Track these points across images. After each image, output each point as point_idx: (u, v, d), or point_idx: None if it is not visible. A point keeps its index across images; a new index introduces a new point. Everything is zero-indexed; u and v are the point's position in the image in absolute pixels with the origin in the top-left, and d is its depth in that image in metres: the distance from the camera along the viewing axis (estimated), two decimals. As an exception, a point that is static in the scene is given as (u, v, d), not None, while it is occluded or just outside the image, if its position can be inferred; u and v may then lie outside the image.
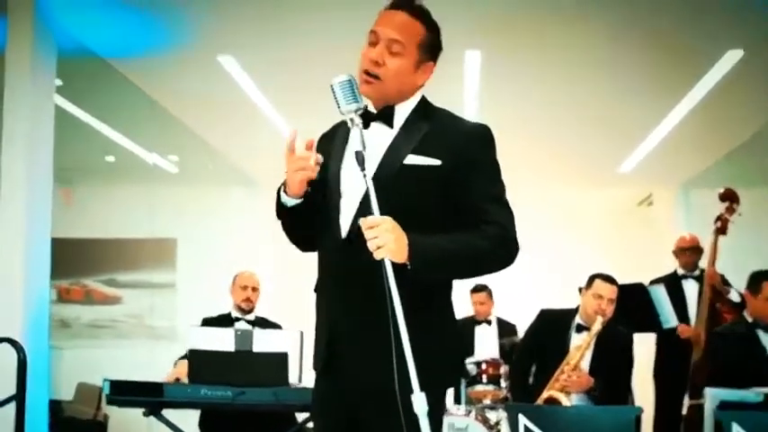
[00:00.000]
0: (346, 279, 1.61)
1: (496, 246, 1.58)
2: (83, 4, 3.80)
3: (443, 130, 1.65)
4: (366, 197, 1.51)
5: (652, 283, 4.61)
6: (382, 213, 1.47)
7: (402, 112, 1.68)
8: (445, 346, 1.64)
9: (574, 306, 3.59)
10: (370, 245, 1.44)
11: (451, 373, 1.76)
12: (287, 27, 4.05)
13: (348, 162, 1.66)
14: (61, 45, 4.11)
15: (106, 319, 7.46)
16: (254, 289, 4.05)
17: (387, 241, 1.44)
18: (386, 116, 1.67)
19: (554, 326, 3.54)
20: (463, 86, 4.92)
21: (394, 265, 1.45)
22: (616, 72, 4.77)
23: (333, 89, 1.58)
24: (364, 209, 1.54)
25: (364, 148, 1.53)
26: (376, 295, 1.47)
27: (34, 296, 3.54)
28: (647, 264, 5.75)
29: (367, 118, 1.64)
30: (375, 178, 1.52)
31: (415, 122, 1.67)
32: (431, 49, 1.68)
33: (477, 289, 5.71)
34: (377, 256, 1.44)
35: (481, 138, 1.67)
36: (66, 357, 6.82)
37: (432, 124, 1.66)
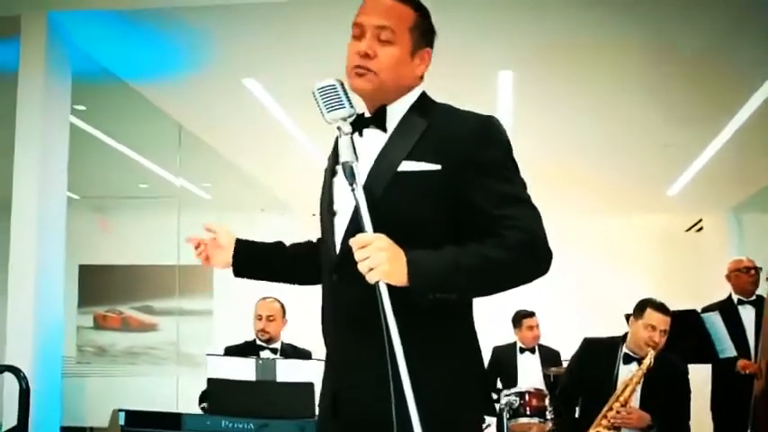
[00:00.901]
0: (343, 307, 1.44)
1: (521, 253, 1.34)
2: (102, 27, 3.75)
3: (443, 128, 1.44)
4: (357, 213, 1.33)
5: (705, 310, 4.26)
6: (378, 230, 1.30)
7: (396, 111, 1.49)
8: (468, 373, 1.44)
9: (619, 334, 3.34)
10: (361, 267, 1.27)
11: (479, 404, 1.52)
12: (308, 48, 3.92)
13: (341, 176, 1.46)
14: (82, 69, 4.08)
15: (142, 346, 7.42)
16: (271, 318, 3.89)
17: (379, 261, 1.26)
18: (378, 119, 1.48)
19: (600, 355, 3.29)
20: (496, 108, 4.71)
21: (397, 288, 1.27)
22: (660, 94, 4.55)
23: (314, 96, 1.42)
24: (355, 226, 1.35)
25: (356, 158, 1.35)
26: (375, 325, 1.27)
27: (46, 323, 3.43)
28: (696, 293, 5.43)
29: (360, 125, 1.47)
30: (366, 190, 1.35)
31: (411, 122, 1.46)
32: (424, 33, 1.49)
33: (528, 313, 5.37)
34: (369, 279, 1.27)
35: (486, 132, 1.43)
36: (102, 384, 6.78)
37: (430, 122, 1.45)
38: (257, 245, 1.68)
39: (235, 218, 7.14)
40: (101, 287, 7.56)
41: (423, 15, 1.49)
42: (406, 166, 1.40)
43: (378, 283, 1.25)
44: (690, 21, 3.67)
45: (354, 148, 1.36)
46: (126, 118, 5.05)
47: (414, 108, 1.49)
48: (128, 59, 4.13)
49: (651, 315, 3.15)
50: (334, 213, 1.48)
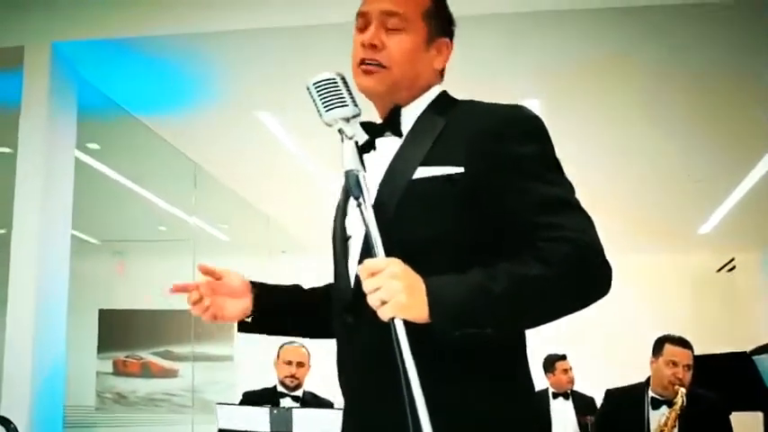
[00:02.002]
0: (361, 353, 1.20)
1: (569, 269, 1.09)
2: (110, 58, 3.63)
3: (464, 123, 1.21)
4: (368, 235, 1.10)
5: (755, 352, 3.92)
6: (392, 253, 1.07)
7: (412, 113, 1.27)
8: (514, 417, 1.17)
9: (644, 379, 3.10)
10: (372, 300, 1.04)
11: None
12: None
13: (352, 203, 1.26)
14: (93, 104, 3.97)
15: (163, 393, 7.20)
16: (301, 364, 3.67)
17: (393, 293, 1.03)
18: (391, 124, 1.27)
19: (625, 405, 3.08)
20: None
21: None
22: (692, 125, 4.30)
23: (310, 93, 1.20)
24: (368, 250, 1.12)
25: (363, 166, 1.13)
26: (395, 367, 1.03)
27: (46, 370, 3.22)
28: (728, 335, 5.11)
29: (372, 135, 1.27)
30: (377, 207, 1.12)
31: (428, 121, 1.25)
32: (441, 20, 1.29)
33: (560, 357, 5.05)
34: (382, 315, 1.03)
35: (517, 121, 1.20)
36: None
37: (449, 120, 1.23)
38: (277, 288, 1.40)
39: (253, 260, 6.98)
40: (121, 332, 7.39)
41: (439, 0, 1.30)
42: (423, 172, 1.17)
43: (393, 320, 1.02)
44: (721, 50, 3.45)
45: (361, 156, 1.15)
46: (141, 156, 4.93)
47: (431, 107, 1.28)
48: (137, 92, 4.00)
49: (671, 350, 2.95)
50: (347, 238, 1.25)
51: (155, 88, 3.95)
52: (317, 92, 1.19)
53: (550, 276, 1.07)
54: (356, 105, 1.19)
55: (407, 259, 1.07)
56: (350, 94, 1.19)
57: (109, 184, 5.22)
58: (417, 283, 1.05)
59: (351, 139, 1.16)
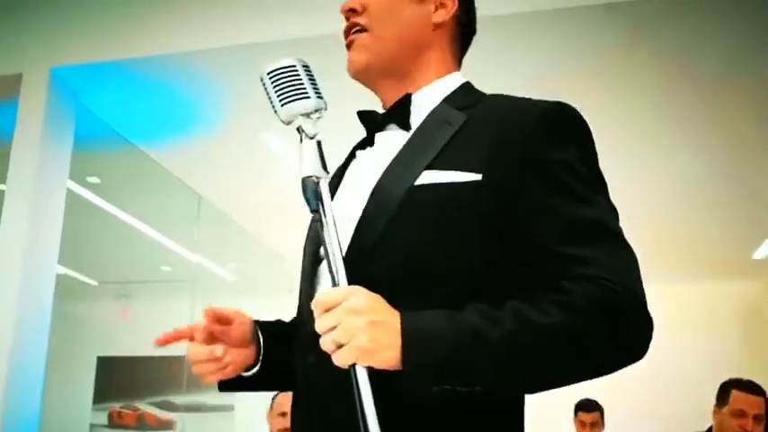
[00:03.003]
0: (324, 404, 0.94)
1: (597, 321, 0.84)
2: (109, 84, 3.41)
3: (489, 120, 0.97)
4: (349, 258, 0.89)
5: None
6: (376, 282, 0.86)
7: (425, 101, 1.05)
8: None
9: (705, 428, 2.77)
10: (324, 343, 0.81)
11: None
12: (335, 93, 3.51)
13: (334, 205, 0.99)
14: (91, 134, 3.73)
15: (157, 447, 6.82)
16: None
17: (352, 333, 0.80)
18: (398, 113, 1.04)
19: None
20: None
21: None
22: (743, 138, 3.96)
23: (263, 84, 0.99)
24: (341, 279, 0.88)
25: (325, 168, 0.93)
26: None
27: (18, 424, 2.86)
28: None
29: (373, 125, 1.07)
30: (363, 220, 0.95)
31: (444, 115, 1.01)
32: None
33: (588, 406, 4.27)
34: (337, 361, 0.81)
35: (557, 122, 0.95)
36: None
37: (471, 115, 0.99)
38: (284, 329, 1.14)
39: (262, 302, 6.65)
40: (119, 381, 7.06)
41: None
42: (428, 177, 0.93)
43: (353, 367, 0.80)
44: None
45: (323, 158, 0.93)
46: (142, 190, 4.67)
47: (450, 99, 1.04)
48: (137, 118, 3.76)
49: (738, 398, 2.60)
50: (319, 260, 1.01)
51: (155, 112, 3.71)
52: (272, 82, 0.97)
53: (571, 328, 0.83)
54: (320, 97, 0.97)
55: (394, 292, 0.85)
56: (313, 84, 0.98)
57: (109, 220, 4.96)
58: (388, 320, 0.82)
59: (312, 138, 0.94)
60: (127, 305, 6.70)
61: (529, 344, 0.82)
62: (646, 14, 2.87)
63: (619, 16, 2.87)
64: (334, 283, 0.85)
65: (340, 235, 0.89)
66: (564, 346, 0.83)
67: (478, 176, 0.91)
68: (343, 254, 0.89)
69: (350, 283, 0.85)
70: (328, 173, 0.93)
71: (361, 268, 0.89)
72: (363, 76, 1.07)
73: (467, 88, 1.08)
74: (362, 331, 0.79)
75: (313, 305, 0.82)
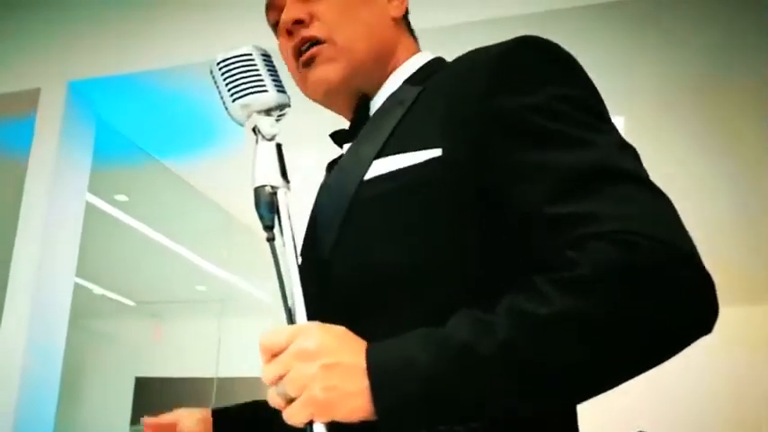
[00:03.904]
0: None
1: (613, 294, 0.60)
2: (130, 98, 3.29)
3: (445, 82, 0.80)
4: (303, 275, 0.73)
5: None
6: (333, 304, 0.73)
7: (384, 96, 0.89)
8: None
9: None
10: (271, 398, 0.66)
11: None
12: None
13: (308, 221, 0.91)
14: (117, 152, 3.64)
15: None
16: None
17: (303, 383, 0.63)
18: (360, 120, 0.89)
19: None
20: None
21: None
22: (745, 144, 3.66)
23: (213, 77, 0.84)
24: (309, 309, 0.71)
25: (285, 176, 0.78)
26: None
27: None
28: None
29: (342, 139, 0.91)
30: (317, 234, 0.81)
31: (396, 98, 0.85)
32: None
33: None
34: (287, 419, 0.65)
35: (518, 57, 0.74)
36: None
37: (426, 86, 0.83)
38: (241, 412, 1.05)
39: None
40: (158, 402, 7.02)
41: None
42: (379, 167, 0.77)
43: (310, 426, 0.64)
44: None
45: (283, 164, 0.78)
46: (170, 208, 4.57)
47: (411, 79, 0.88)
48: (161, 134, 3.65)
49: None
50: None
51: (178, 127, 3.59)
52: (222, 74, 0.82)
53: (581, 312, 0.60)
54: (282, 91, 0.82)
55: (359, 312, 0.71)
56: (273, 76, 0.82)
57: (139, 238, 4.87)
58: (349, 360, 0.64)
59: (270, 140, 0.79)
60: (159, 325, 6.64)
61: (530, 348, 0.61)
62: (641, 14, 2.65)
63: (614, 17, 2.66)
64: (290, 318, 0.70)
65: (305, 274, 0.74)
66: (578, 340, 0.60)
67: (437, 151, 0.73)
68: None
69: (307, 306, 0.69)
70: (288, 182, 0.77)
71: (317, 286, 0.74)
72: (336, 95, 0.89)
73: (434, 63, 0.89)
74: (315, 380, 0.62)
75: (260, 348, 0.66)
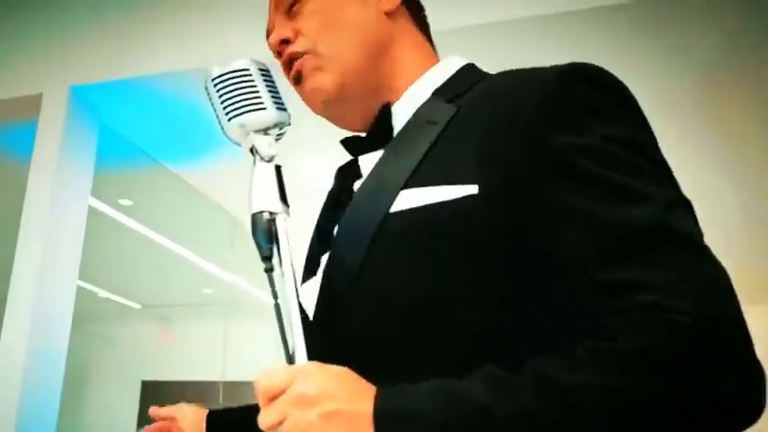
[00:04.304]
0: None
1: (655, 377, 0.55)
2: (134, 103, 3.26)
3: (483, 106, 0.72)
4: (317, 315, 0.73)
5: None
6: (347, 344, 0.69)
7: (410, 103, 0.81)
8: None
9: None
10: None
11: None
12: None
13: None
14: (120, 156, 3.62)
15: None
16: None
17: (300, 430, 0.58)
18: (379, 131, 0.81)
19: None
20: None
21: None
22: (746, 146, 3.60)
23: (208, 94, 0.79)
24: (310, 346, 0.67)
25: (285, 200, 0.72)
26: None
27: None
28: None
29: (357, 148, 0.84)
30: (332, 263, 0.74)
31: (427, 113, 0.77)
32: None
33: None
34: None
35: (570, 92, 0.67)
36: None
37: (461, 104, 0.75)
38: (236, 414, 1.06)
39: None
40: (165, 406, 7.01)
41: None
42: (407, 199, 0.70)
43: None
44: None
45: (282, 187, 0.73)
46: (175, 212, 4.54)
47: (441, 91, 0.80)
48: (165, 138, 3.62)
49: None
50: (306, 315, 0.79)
51: (182, 131, 3.56)
52: (218, 91, 0.76)
53: (616, 391, 0.56)
54: (282, 108, 0.76)
55: (371, 357, 0.66)
56: (273, 93, 0.77)
57: (144, 242, 4.85)
58: (353, 407, 0.59)
59: (269, 162, 0.74)
60: (167, 328, 6.62)
61: (552, 417, 0.56)
62: (643, 16, 2.60)
63: (616, 19, 2.61)
64: (289, 357, 0.65)
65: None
66: (604, 416, 0.56)
67: (473, 188, 0.67)
68: (312, 311, 0.71)
69: (317, 348, 0.65)
70: (288, 206, 0.71)
71: (330, 329, 0.69)
72: (336, 103, 0.82)
73: (465, 72, 0.82)
74: (314, 429, 0.57)
75: (256, 389, 0.61)
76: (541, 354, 0.60)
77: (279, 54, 0.85)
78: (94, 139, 3.20)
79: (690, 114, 3.30)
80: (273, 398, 0.60)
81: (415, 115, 0.79)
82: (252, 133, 0.75)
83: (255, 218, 0.70)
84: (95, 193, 3.49)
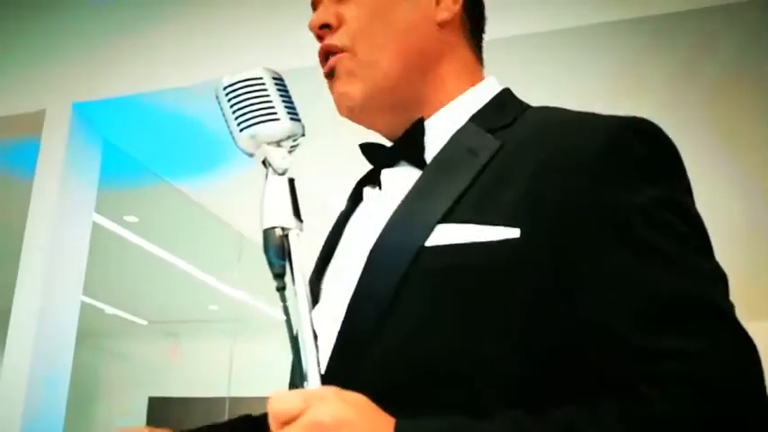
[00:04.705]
0: None
1: None
2: (137, 120, 3.25)
3: (531, 144, 0.69)
4: (337, 350, 0.69)
5: None
6: (371, 384, 0.62)
7: (444, 123, 0.77)
8: None
9: None
10: None
11: None
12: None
13: (335, 269, 0.81)
14: (125, 173, 3.61)
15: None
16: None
17: None
18: (409, 144, 0.78)
19: None
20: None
21: None
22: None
23: (219, 104, 0.74)
24: (330, 371, 0.67)
25: (298, 215, 0.69)
26: None
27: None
28: None
29: (381, 159, 0.80)
30: (358, 296, 0.69)
31: (468, 141, 0.73)
32: None
33: None
34: None
35: (629, 149, 0.66)
36: None
37: (506, 140, 0.72)
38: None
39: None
40: (173, 424, 6.97)
41: None
42: (445, 234, 0.67)
43: None
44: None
45: (296, 202, 0.69)
46: (181, 228, 4.53)
47: (479, 117, 0.76)
48: (168, 155, 3.61)
49: None
50: (315, 337, 0.73)
51: (186, 147, 3.55)
52: (229, 101, 0.72)
53: None
54: (296, 119, 0.72)
55: (393, 397, 0.61)
56: (287, 103, 0.73)
57: (151, 259, 4.83)
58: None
59: (282, 175, 0.71)
60: (175, 345, 6.60)
61: None
62: (648, 32, 2.57)
63: (622, 35, 2.59)
64: (301, 381, 0.61)
65: (336, 319, 0.69)
66: None
67: (515, 232, 0.65)
68: (332, 341, 0.69)
69: (335, 382, 0.60)
70: (301, 221, 0.68)
71: (350, 366, 0.66)
72: (361, 113, 0.79)
73: (503, 99, 0.79)
74: None
75: (269, 413, 0.57)
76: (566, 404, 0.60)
77: (318, 38, 0.81)
78: (98, 155, 3.19)
79: (701, 126, 3.25)
80: (286, 423, 0.56)
81: (452, 141, 0.75)
82: (264, 145, 0.71)
83: (267, 233, 0.67)
84: (101, 209, 3.47)
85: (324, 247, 0.85)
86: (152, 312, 6.22)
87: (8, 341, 2.69)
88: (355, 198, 0.85)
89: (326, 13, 0.79)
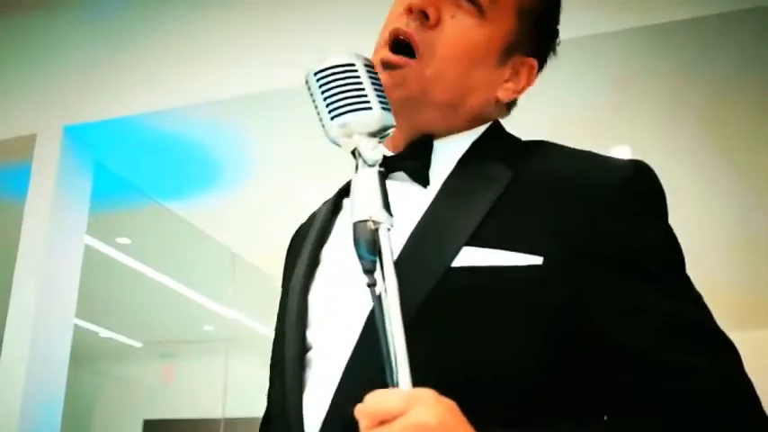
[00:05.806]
0: None
1: None
2: (128, 142, 3.27)
3: (548, 181, 0.74)
4: (371, 340, 0.63)
5: None
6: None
7: (450, 150, 0.80)
8: None
9: None
10: None
11: None
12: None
13: (328, 269, 0.80)
14: (116, 195, 3.61)
15: None
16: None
17: None
18: (413, 159, 0.79)
19: None
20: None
21: None
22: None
23: (309, 89, 0.71)
24: (368, 371, 0.66)
25: (388, 209, 0.65)
26: None
27: None
28: None
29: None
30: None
31: (483, 169, 0.77)
32: (539, 29, 0.84)
33: None
34: None
35: (641, 193, 0.74)
36: None
37: (519, 170, 0.75)
38: None
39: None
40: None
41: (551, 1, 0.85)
42: (472, 256, 0.69)
43: None
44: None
45: (385, 195, 0.66)
46: (173, 249, 4.53)
47: (482, 145, 0.80)
48: (159, 177, 3.62)
49: None
50: (305, 348, 0.76)
51: (177, 168, 3.56)
52: (320, 87, 0.69)
53: None
54: (387, 109, 0.70)
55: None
56: (378, 90, 0.70)
57: (144, 281, 4.83)
58: None
59: (372, 166, 0.68)
60: (170, 367, 6.56)
61: None
62: (648, 42, 2.61)
63: (621, 44, 2.63)
64: (391, 380, 0.58)
65: (337, 339, 0.69)
66: None
67: (539, 259, 0.69)
68: (343, 365, 0.68)
69: (370, 382, 0.58)
70: (392, 216, 0.65)
71: (371, 385, 0.63)
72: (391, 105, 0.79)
73: (497, 130, 0.84)
74: None
75: (358, 415, 0.56)
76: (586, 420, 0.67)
77: (409, 11, 0.79)
78: (89, 178, 3.20)
79: (700, 131, 3.28)
80: (383, 422, 0.54)
81: (466, 165, 0.78)
82: (355, 135, 0.68)
83: (357, 227, 0.64)
84: (93, 232, 3.48)
85: (304, 255, 0.83)
86: (146, 334, 6.19)
87: (1, 365, 2.69)
88: (334, 208, 0.85)
89: (432, 3, 0.78)
